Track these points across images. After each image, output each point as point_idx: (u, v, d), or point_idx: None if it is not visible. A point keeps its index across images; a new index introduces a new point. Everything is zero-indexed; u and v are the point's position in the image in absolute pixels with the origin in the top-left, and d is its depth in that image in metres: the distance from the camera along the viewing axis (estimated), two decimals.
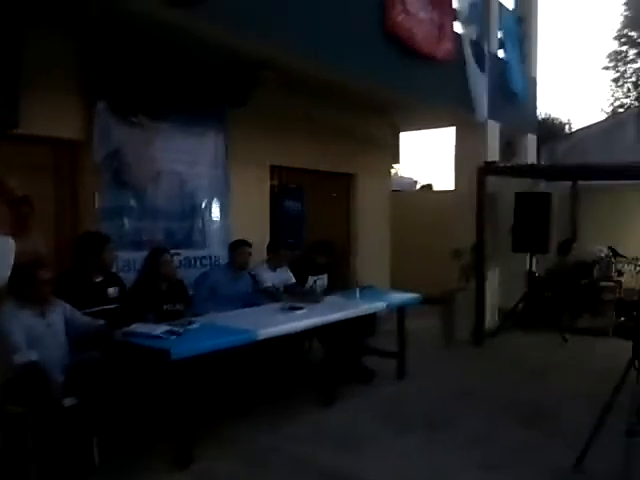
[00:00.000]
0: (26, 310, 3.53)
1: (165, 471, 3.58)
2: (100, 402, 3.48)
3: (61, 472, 3.26)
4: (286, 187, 7.12)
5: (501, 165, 7.69)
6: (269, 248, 5.73)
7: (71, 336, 3.76)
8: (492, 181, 7.53)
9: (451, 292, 7.36)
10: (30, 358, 3.34)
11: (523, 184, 8.36)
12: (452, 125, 8.43)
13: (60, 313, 3.73)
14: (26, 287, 3.52)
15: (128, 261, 5.10)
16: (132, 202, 5.22)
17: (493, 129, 7.94)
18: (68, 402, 3.38)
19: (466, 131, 7.85)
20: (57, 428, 3.22)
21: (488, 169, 7.39)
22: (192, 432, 3.73)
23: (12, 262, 1.68)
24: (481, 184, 7.30)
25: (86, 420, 3.45)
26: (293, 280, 5.75)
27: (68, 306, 3.80)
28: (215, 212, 6.01)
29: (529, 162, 9.00)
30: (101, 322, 3.84)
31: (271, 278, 5.55)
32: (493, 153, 7.93)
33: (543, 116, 16.62)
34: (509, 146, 9.29)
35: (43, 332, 3.57)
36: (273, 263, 5.64)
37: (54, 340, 3.63)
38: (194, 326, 4.05)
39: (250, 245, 5.34)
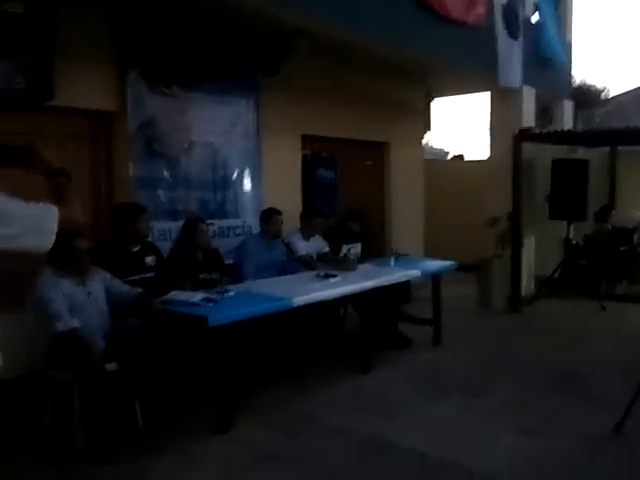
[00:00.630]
0: (66, 279, 3.60)
1: (205, 436, 3.64)
2: (141, 368, 3.55)
3: (106, 435, 3.34)
4: (319, 156, 7.06)
5: (537, 131, 7.50)
6: (302, 217, 5.72)
7: (111, 304, 3.83)
8: (528, 148, 7.37)
9: (487, 260, 7.28)
10: (72, 325, 3.41)
11: (560, 151, 8.16)
12: (486, 90, 8.24)
13: (100, 282, 3.79)
14: (64, 256, 3.57)
15: (163, 231, 5.15)
16: (165, 172, 5.25)
17: (529, 95, 7.74)
18: (110, 367, 3.45)
19: (501, 97, 7.66)
20: (101, 393, 3.30)
21: (524, 136, 7.23)
22: (231, 398, 3.77)
23: (55, 229, 1.70)
24: (517, 151, 7.15)
25: (128, 385, 3.53)
26: (327, 248, 5.73)
27: (108, 275, 3.86)
28: (247, 182, 6.01)
29: (566, 129, 8.77)
30: (140, 290, 3.89)
31: (304, 247, 5.56)
32: (529, 119, 7.74)
33: (578, 83, 16.13)
34: (545, 112, 9.06)
35: (84, 300, 3.64)
36: (306, 232, 5.64)
37: (95, 308, 3.70)
38: (230, 294, 4.09)
39: (280, 213, 5.33)
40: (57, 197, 1.79)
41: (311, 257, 5.52)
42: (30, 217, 1.67)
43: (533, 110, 7.91)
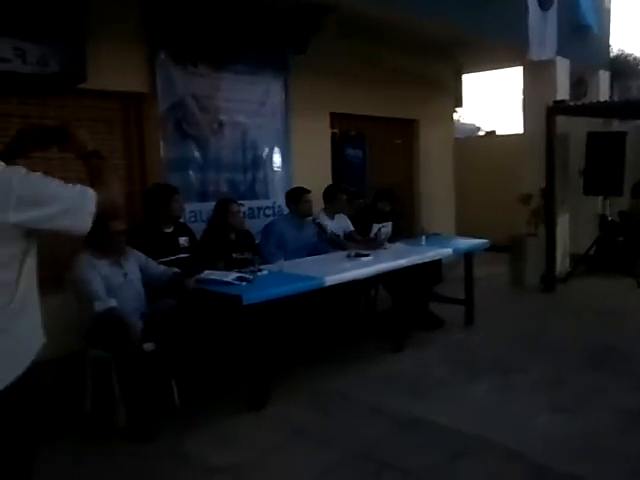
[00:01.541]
0: (103, 261, 3.65)
1: (240, 414, 3.69)
2: (177, 347, 3.61)
3: (145, 413, 3.41)
4: (347, 134, 7.01)
5: (572, 104, 7.32)
6: (325, 196, 5.62)
7: (146, 285, 3.88)
8: (562, 121, 7.20)
9: (520, 237, 7.18)
10: (110, 305, 3.47)
11: (595, 124, 7.95)
12: (518, 65, 8.06)
13: (135, 263, 3.84)
14: (101, 238, 3.63)
15: (194, 212, 5.19)
16: (196, 153, 5.27)
17: (562, 66, 7.53)
18: (148, 347, 3.51)
19: (534, 70, 7.48)
20: (139, 372, 3.36)
21: (558, 109, 7.06)
22: (265, 377, 3.81)
23: (94, 211, 1.71)
24: (550, 125, 6.99)
25: (165, 365, 3.60)
26: (351, 227, 5.70)
27: (143, 256, 3.91)
28: (277, 162, 6.00)
29: (602, 100, 8.53)
30: (175, 270, 3.93)
31: (330, 226, 5.51)
32: (563, 92, 7.55)
33: (616, 52, 15.63)
34: (580, 84, 8.81)
35: (121, 282, 3.70)
36: (330, 210, 5.57)
37: (131, 289, 3.76)
38: (263, 273, 4.11)
39: (309, 192, 5.29)
40: (93, 179, 1.80)
41: (337, 236, 5.50)
42: (69, 198, 1.69)
43: (567, 82, 7.71)
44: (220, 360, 3.94)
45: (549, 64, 7.16)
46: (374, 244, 5.23)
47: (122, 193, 4.45)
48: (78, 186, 1.72)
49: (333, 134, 6.81)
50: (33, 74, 4.11)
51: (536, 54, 6.72)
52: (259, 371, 3.77)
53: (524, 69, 7.81)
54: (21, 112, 4.35)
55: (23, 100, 4.35)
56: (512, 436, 3.33)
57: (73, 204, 1.70)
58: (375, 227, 5.63)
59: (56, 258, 4.39)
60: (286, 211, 5.58)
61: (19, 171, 1.62)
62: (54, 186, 1.68)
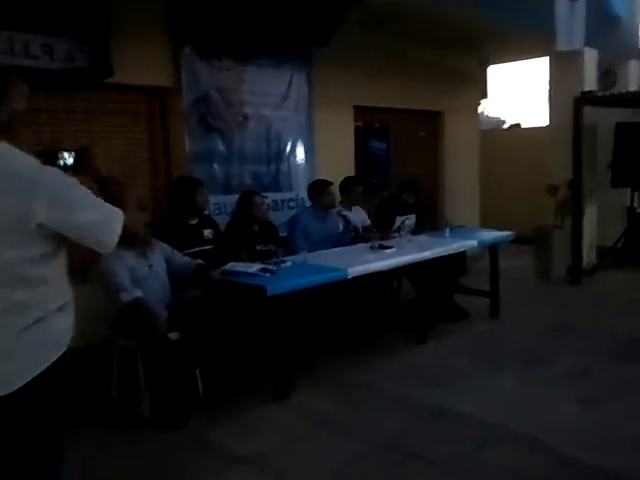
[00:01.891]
0: (129, 252, 3.70)
1: (264, 404, 3.71)
2: (202, 337, 3.65)
3: (170, 402, 3.46)
4: (371, 127, 6.99)
5: (600, 94, 7.18)
6: (341, 188, 5.55)
7: (171, 276, 3.93)
8: (590, 112, 7.06)
9: (546, 229, 7.09)
10: (136, 295, 3.53)
11: (624, 114, 7.79)
12: (545, 55, 7.93)
13: (161, 254, 3.89)
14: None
15: (218, 205, 5.23)
16: (220, 146, 5.32)
17: (590, 57, 7.38)
18: (172, 337, 3.56)
19: (561, 61, 7.33)
20: (164, 361, 3.41)
21: (585, 99, 6.93)
22: (289, 366, 3.84)
23: (120, 232, 1.73)
24: (578, 115, 6.86)
25: (190, 354, 3.64)
26: (368, 221, 5.71)
27: (168, 247, 3.96)
28: (300, 154, 6.02)
29: (631, 90, 8.35)
30: (199, 261, 3.97)
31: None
32: (591, 82, 7.40)
33: None
34: (608, 74, 8.63)
35: (146, 273, 3.75)
36: (346, 203, 5.52)
37: (157, 280, 3.81)
38: (286, 265, 4.12)
39: (332, 184, 5.29)
40: (114, 204, 1.78)
41: (356, 227, 5.49)
42: (103, 211, 1.69)
43: (595, 72, 7.56)
44: (244, 350, 3.98)
45: (577, 55, 7.03)
46: (389, 236, 5.24)
47: (145, 187, 4.52)
48: (107, 204, 1.72)
49: (357, 127, 6.80)
50: (60, 69, 4.19)
51: (564, 45, 6.60)
52: (283, 361, 3.79)
53: (551, 60, 7.69)
54: (49, 106, 4.44)
55: (51, 95, 4.43)
56: (538, 427, 3.30)
57: (105, 219, 1.70)
58: (399, 219, 5.61)
59: (86, 250, 4.48)
60: (309, 203, 5.59)
61: (56, 171, 1.63)
62: (89, 194, 1.68)
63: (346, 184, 5.58)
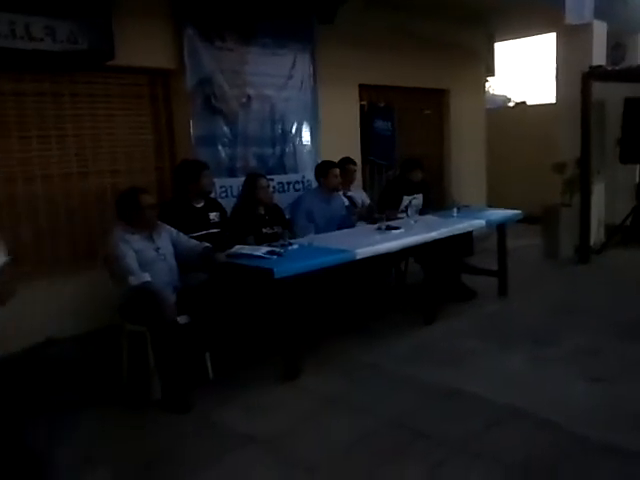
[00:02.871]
0: (135, 235, 3.69)
1: (273, 384, 3.73)
2: (210, 320, 3.65)
3: (179, 385, 3.47)
4: (376, 106, 6.92)
5: (609, 69, 7.07)
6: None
7: (178, 259, 3.91)
8: (598, 88, 6.96)
9: (553, 208, 7.04)
10: (144, 279, 3.52)
11: (633, 89, 7.67)
12: (552, 31, 7.80)
13: (167, 237, 3.88)
14: (133, 212, 3.68)
15: (224, 187, 5.20)
16: (225, 128, 5.27)
17: (599, 30, 7.25)
18: (181, 320, 3.56)
19: (569, 34, 7.20)
20: (173, 344, 3.42)
21: (594, 74, 6.82)
22: (297, 348, 3.84)
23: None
24: (586, 91, 6.76)
25: (199, 337, 3.65)
26: (368, 200, 5.71)
27: (174, 230, 3.94)
28: (305, 135, 5.96)
29: None
30: (206, 244, 3.96)
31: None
32: (599, 57, 7.27)
33: None
34: (618, 48, 8.50)
35: (153, 256, 3.74)
36: (344, 183, 5.39)
37: (164, 263, 3.80)
38: (293, 247, 4.11)
39: (337, 165, 5.26)
40: None
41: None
42: None
43: (604, 47, 7.42)
44: (252, 332, 3.99)
45: (585, 28, 6.91)
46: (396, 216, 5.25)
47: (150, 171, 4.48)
48: None
49: (362, 106, 6.73)
50: (63, 52, 4.15)
51: (573, 18, 6.50)
52: (291, 343, 3.80)
53: (558, 35, 7.56)
54: (53, 90, 4.41)
55: (54, 78, 4.40)
56: (547, 406, 3.30)
57: None
58: (405, 199, 5.58)
59: (91, 235, 4.50)
60: (315, 185, 5.56)
61: None
62: None
63: (339, 164, 5.45)
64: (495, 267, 5.53)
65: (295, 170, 5.90)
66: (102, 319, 4.05)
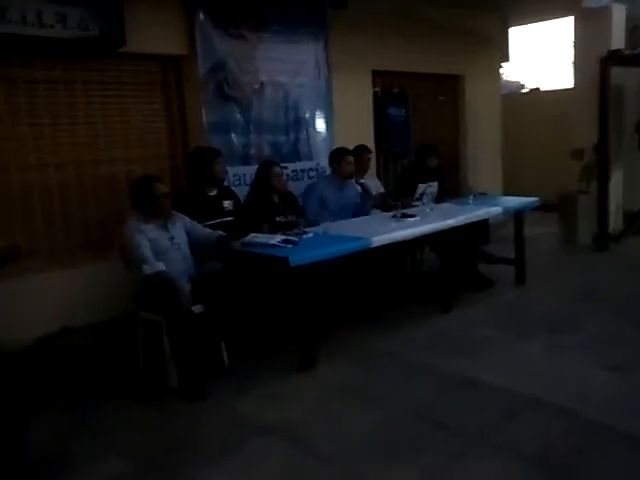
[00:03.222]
0: (150, 225, 3.66)
1: (289, 373, 3.70)
2: (225, 309, 3.62)
3: (195, 374, 3.45)
4: (389, 92, 6.83)
5: (627, 52, 6.92)
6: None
7: (192, 248, 3.88)
8: (616, 73, 6.82)
9: (571, 195, 6.93)
10: (158, 268, 3.49)
11: None
12: (570, 14, 7.65)
13: (181, 226, 3.85)
14: (147, 201, 3.65)
15: (238, 175, 5.16)
16: (237, 116, 5.21)
17: (618, 13, 7.10)
18: (196, 309, 3.54)
19: (587, 19, 7.06)
20: (189, 333, 3.39)
21: (612, 58, 6.68)
22: (314, 336, 3.80)
23: None
24: (604, 76, 6.63)
25: (214, 326, 3.63)
26: (382, 188, 5.65)
27: (188, 219, 3.91)
28: (319, 122, 5.89)
29: None
30: (220, 233, 3.92)
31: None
32: (618, 41, 7.12)
33: None
34: (636, 32, 8.32)
35: (167, 245, 3.71)
36: (358, 171, 5.34)
37: (178, 252, 3.77)
38: (308, 235, 4.07)
39: (351, 153, 5.20)
40: None
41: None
42: None
43: (623, 30, 7.27)
44: (268, 321, 3.96)
45: (604, 12, 6.77)
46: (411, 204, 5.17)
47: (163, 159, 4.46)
48: None
49: (375, 92, 6.65)
50: (74, 39, 4.11)
51: (591, 0, 6.36)
52: (307, 332, 3.76)
53: (575, 19, 7.41)
54: (65, 77, 4.38)
55: (66, 66, 4.37)
56: (567, 395, 3.25)
57: None
58: (420, 187, 5.50)
59: (105, 224, 4.48)
60: (329, 172, 5.50)
61: None
62: None
63: (354, 151, 5.38)
64: (512, 255, 5.46)
65: (309, 157, 5.84)
66: (118, 308, 4.04)
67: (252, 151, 5.34)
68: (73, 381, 3.74)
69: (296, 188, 5.29)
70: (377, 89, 6.70)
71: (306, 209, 4.93)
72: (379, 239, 4.00)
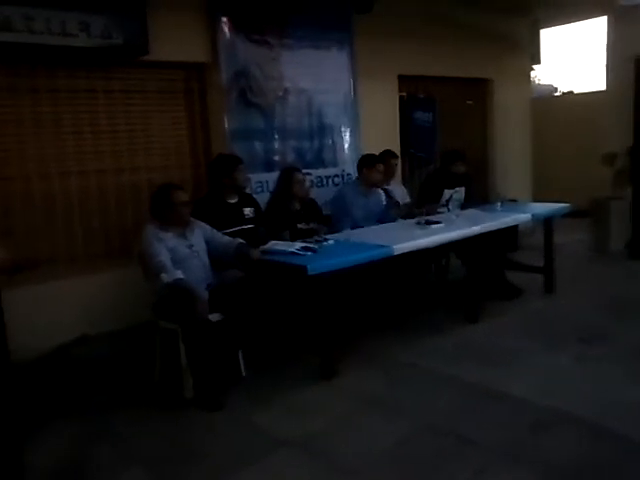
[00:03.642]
0: (169, 233, 3.65)
1: (309, 384, 3.63)
2: (244, 318, 3.58)
3: (212, 384, 3.41)
4: (416, 97, 6.75)
5: None
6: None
7: (211, 256, 3.85)
8: None
9: (603, 201, 6.74)
10: (176, 276, 3.46)
11: None
12: (603, 14, 7.46)
13: (200, 234, 3.82)
14: (165, 209, 3.63)
15: (260, 182, 5.13)
16: (261, 122, 5.19)
17: None
18: (214, 318, 3.50)
19: (621, 18, 6.89)
20: (206, 342, 3.35)
21: None
22: (334, 347, 3.73)
23: None
24: (639, 77, 6.44)
25: (232, 335, 3.59)
26: (408, 198, 5.56)
27: (208, 227, 3.88)
28: (344, 128, 5.83)
29: None
30: (240, 240, 3.89)
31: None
32: None
33: None
34: None
35: (186, 253, 3.68)
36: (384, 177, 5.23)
37: (197, 261, 3.74)
38: (329, 243, 4.01)
39: (380, 160, 5.14)
40: None
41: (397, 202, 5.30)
42: None
43: None
44: (287, 330, 3.90)
45: (638, 10, 6.58)
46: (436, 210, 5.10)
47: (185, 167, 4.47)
48: None
49: (401, 97, 6.57)
50: (97, 47, 4.13)
51: None
52: (327, 341, 3.69)
53: (609, 18, 7.23)
54: (88, 86, 4.41)
55: (89, 74, 4.39)
56: (598, 410, 3.11)
57: None
58: (447, 193, 5.40)
59: (126, 232, 4.48)
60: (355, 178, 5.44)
61: None
62: None
63: (381, 157, 5.29)
64: (541, 263, 5.31)
65: (334, 164, 5.79)
66: (139, 316, 4.03)
67: (276, 158, 5.32)
68: (91, 390, 3.74)
69: (320, 195, 5.24)
70: (403, 94, 6.62)
71: (337, 217, 4.87)
72: (402, 247, 3.92)
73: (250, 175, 4.93)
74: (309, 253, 3.68)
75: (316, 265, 3.45)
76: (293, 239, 4.12)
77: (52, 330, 4.00)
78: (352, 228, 4.74)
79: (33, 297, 3.98)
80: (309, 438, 3.03)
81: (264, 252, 3.78)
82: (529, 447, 2.84)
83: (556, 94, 15.17)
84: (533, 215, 5.13)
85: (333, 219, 4.86)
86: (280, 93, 5.30)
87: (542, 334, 4.30)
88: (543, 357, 3.89)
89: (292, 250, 3.69)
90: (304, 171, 4.90)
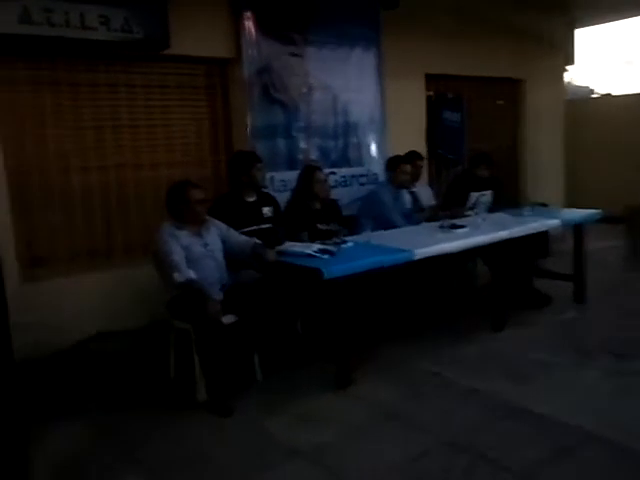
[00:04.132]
0: (184, 231, 3.57)
1: (324, 392, 3.51)
2: (259, 320, 3.49)
3: (224, 388, 3.32)
4: (444, 97, 6.58)
5: None
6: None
7: (227, 255, 3.76)
8: None
9: (638, 208, 6.48)
10: (189, 276, 3.37)
11: None
12: None
13: (216, 233, 3.73)
14: (181, 207, 3.55)
15: (283, 181, 5.03)
16: (284, 120, 5.10)
17: None
18: (228, 320, 3.40)
19: None
20: (218, 344, 3.26)
21: None
22: (351, 353, 3.60)
23: None
24: None
25: (247, 337, 3.50)
26: (433, 200, 5.45)
27: (224, 226, 3.79)
28: (371, 127, 5.72)
29: None
30: (256, 240, 3.78)
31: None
32: None
33: None
34: None
35: (201, 252, 3.60)
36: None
37: (212, 260, 3.65)
38: (348, 245, 3.88)
39: (407, 161, 5.00)
40: None
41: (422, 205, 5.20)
42: None
43: None
44: (303, 335, 3.78)
45: None
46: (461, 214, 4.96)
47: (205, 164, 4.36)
48: None
49: (429, 97, 6.42)
50: (118, 41, 4.08)
51: None
52: (344, 348, 3.56)
53: None
54: (108, 80, 4.36)
55: (109, 68, 4.35)
56: (628, 430, 2.93)
57: None
58: (473, 196, 5.23)
59: (146, 228, 4.42)
60: (381, 178, 5.31)
61: None
62: None
63: (407, 158, 5.20)
64: (571, 271, 5.10)
65: (360, 163, 5.68)
66: (155, 314, 3.96)
67: (299, 156, 5.22)
68: (104, 387, 3.69)
69: (346, 194, 5.14)
70: (431, 93, 6.46)
71: (362, 216, 4.82)
72: (423, 251, 3.77)
73: (273, 173, 4.85)
74: (326, 256, 3.55)
75: (332, 268, 3.32)
76: (312, 240, 4.00)
77: (69, 326, 3.97)
78: (385, 229, 4.64)
79: (52, 292, 3.97)
80: (322, 450, 2.92)
81: (280, 253, 3.67)
82: (553, 471, 2.67)
83: (593, 96, 14.78)
84: (563, 221, 4.92)
85: (358, 220, 4.73)
86: (304, 90, 5.20)
87: (570, 346, 4.11)
88: (571, 371, 3.71)
89: (309, 252, 3.58)
90: (329, 170, 4.79)
